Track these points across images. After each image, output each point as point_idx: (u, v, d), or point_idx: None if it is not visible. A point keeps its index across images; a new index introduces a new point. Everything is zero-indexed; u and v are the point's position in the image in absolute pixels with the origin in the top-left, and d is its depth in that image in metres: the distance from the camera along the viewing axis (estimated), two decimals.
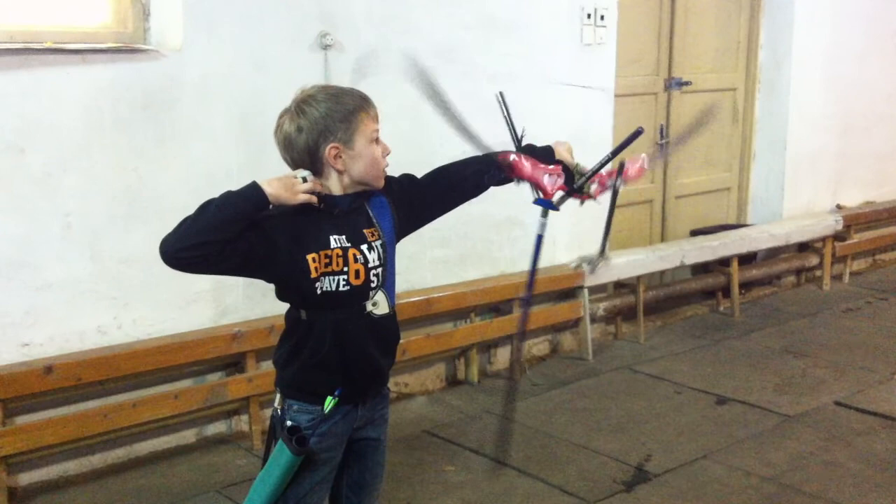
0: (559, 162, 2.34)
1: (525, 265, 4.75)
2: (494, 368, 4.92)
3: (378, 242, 2.24)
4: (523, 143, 2.39)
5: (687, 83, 6.09)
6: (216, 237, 2.02)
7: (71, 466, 3.68)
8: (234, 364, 4.00)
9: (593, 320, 5.28)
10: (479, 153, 2.38)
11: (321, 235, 2.16)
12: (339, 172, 2.18)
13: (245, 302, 3.96)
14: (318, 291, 2.15)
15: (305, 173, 2.14)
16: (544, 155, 2.38)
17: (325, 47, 4.12)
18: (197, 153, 3.81)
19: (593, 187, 2.31)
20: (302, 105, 2.16)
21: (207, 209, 2.05)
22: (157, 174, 3.73)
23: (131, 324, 3.74)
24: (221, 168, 3.87)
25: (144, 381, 3.75)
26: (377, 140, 2.21)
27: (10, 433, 3.38)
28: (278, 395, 2.26)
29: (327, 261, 2.15)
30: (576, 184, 2.31)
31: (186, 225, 2.05)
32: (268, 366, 3.94)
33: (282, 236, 2.12)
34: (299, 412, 2.22)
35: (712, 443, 3.99)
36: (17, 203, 3.45)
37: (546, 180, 2.28)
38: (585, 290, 5.13)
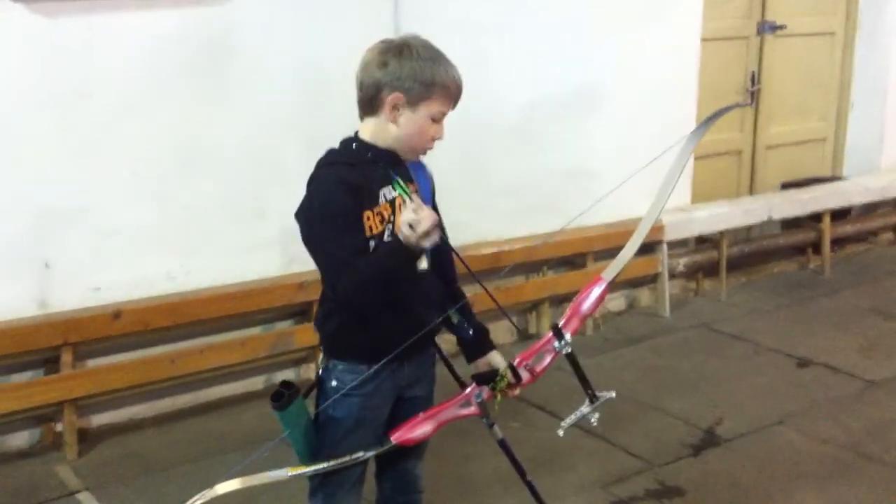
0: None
1: (598, 218, 4.63)
2: None
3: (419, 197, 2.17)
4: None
5: (781, 27, 5.76)
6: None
7: (140, 410, 3.75)
8: (301, 313, 4.00)
9: (672, 276, 5.12)
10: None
11: (374, 190, 2.10)
12: (391, 123, 2.11)
13: None
14: (370, 248, 2.09)
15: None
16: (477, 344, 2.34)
17: None
18: (258, 102, 3.78)
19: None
20: (404, 47, 2.08)
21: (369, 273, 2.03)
22: (219, 122, 3.72)
23: (199, 270, 3.76)
24: (281, 117, 3.83)
25: (212, 328, 3.78)
26: (439, 121, 2.13)
27: (79, 376, 3.46)
28: (321, 355, 2.22)
29: (379, 218, 2.09)
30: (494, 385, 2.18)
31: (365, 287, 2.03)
32: None
33: (357, 192, 2.08)
34: (344, 372, 2.18)
35: (789, 407, 3.83)
36: (84, 148, 3.48)
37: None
38: (664, 245, 4.96)
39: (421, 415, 2.15)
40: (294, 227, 2.15)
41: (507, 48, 4.40)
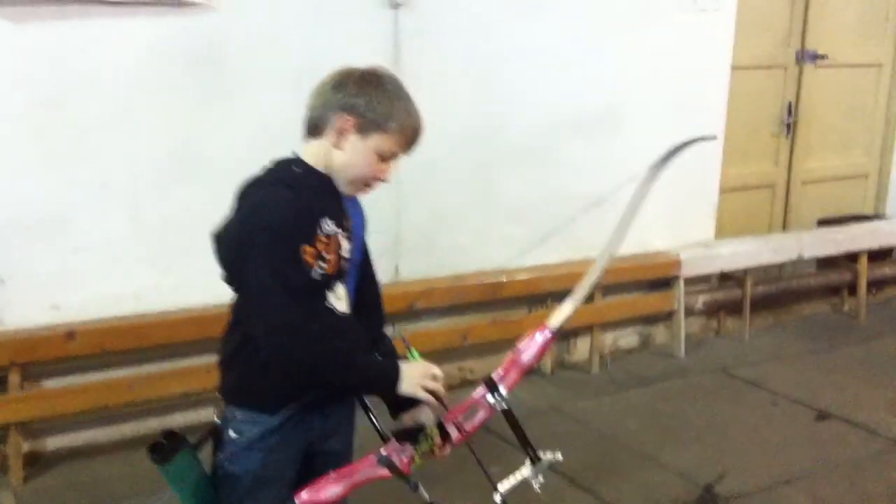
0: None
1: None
2: (573, 359, 4.53)
3: (349, 235, 1.93)
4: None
5: (822, 56, 5.41)
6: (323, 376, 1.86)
7: (100, 434, 3.54)
8: None
9: (690, 313, 4.79)
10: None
11: (314, 221, 1.84)
12: (335, 148, 1.87)
13: None
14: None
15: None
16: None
17: (396, 6, 3.81)
18: (247, 114, 3.57)
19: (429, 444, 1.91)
20: (366, 74, 1.87)
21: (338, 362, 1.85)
22: (205, 134, 3.52)
23: (171, 288, 3.54)
24: (271, 131, 3.59)
25: (174, 353, 3.55)
26: (387, 161, 1.89)
27: (28, 399, 3.27)
28: (220, 403, 1.96)
29: (314, 253, 1.83)
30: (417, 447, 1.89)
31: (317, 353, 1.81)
32: None
33: (302, 219, 1.84)
34: (244, 422, 1.92)
35: (800, 466, 3.47)
36: (58, 159, 3.30)
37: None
38: (681, 281, 4.63)
39: (332, 473, 1.87)
40: None
41: (520, 63, 4.15)
